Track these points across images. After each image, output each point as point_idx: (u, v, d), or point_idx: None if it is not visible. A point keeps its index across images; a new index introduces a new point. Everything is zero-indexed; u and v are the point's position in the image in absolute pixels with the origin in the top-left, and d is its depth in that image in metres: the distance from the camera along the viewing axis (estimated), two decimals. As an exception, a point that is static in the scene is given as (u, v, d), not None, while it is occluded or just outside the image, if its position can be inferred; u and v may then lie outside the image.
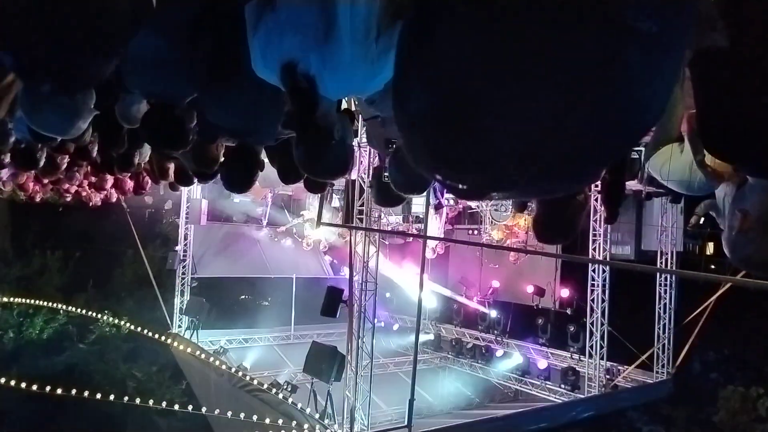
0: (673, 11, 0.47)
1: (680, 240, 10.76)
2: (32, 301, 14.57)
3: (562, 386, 10.93)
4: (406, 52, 0.54)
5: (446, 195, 10.77)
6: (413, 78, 0.51)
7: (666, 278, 10.92)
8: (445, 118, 0.47)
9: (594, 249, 10.48)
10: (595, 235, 10.46)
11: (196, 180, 3.28)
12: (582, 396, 10.58)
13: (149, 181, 7.11)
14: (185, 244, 13.06)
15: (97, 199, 9.27)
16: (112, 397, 8.41)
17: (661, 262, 10.81)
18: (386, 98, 1.48)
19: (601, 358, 10.49)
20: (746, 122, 0.76)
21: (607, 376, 10.60)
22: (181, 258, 12.98)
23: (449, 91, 0.46)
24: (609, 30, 0.45)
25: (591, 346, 10.50)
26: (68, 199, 10.01)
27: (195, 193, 12.53)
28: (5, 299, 14.87)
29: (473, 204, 12.57)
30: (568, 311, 11.68)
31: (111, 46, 1.25)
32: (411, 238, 13.11)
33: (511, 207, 11.11)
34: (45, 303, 14.39)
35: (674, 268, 10.86)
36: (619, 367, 10.85)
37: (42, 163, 3.20)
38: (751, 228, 1.08)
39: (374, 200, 2.27)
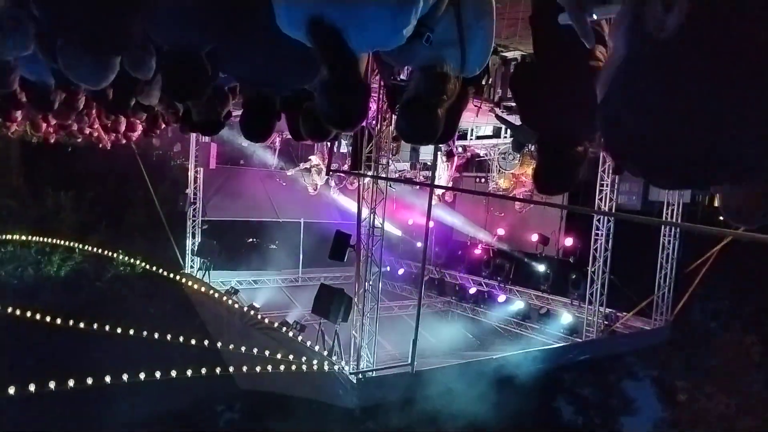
0: None
1: (688, 191, 10.74)
2: (49, 240, 14.96)
3: (561, 331, 11.29)
4: (621, 88, 0.66)
5: (457, 142, 10.70)
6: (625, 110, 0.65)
7: (670, 229, 11.00)
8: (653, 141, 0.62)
9: (600, 199, 10.50)
10: (602, 185, 10.45)
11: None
12: (580, 340, 10.95)
13: (160, 124, 7.15)
14: (195, 187, 13.21)
15: (107, 141, 9.34)
16: (131, 331, 8.84)
17: (667, 213, 10.86)
18: (407, 52, 1.52)
19: (601, 305, 10.76)
20: None
21: (606, 323, 10.91)
22: (191, 200, 13.18)
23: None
24: None
25: (591, 294, 10.75)
26: (79, 140, 10.08)
27: (204, 137, 12.53)
28: (23, 237, 15.28)
29: (482, 152, 12.51)
30: (571, 260, 11.88)
31: (139, 10, 1.28)
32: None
33: (519, 156, 11.06)
34: (61, 242, 14.78)
35: (680, 220, 10.89)
36: (618, 314, 11.14)
37: (57, 105, 3.26)
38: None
39: (304, 131, 2.25)
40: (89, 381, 7.06)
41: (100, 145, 10.04)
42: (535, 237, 12.13)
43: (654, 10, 0.61)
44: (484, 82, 8.74)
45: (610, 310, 11.06)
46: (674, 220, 10.86)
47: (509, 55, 8.13)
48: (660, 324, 11.24)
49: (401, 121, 1.74)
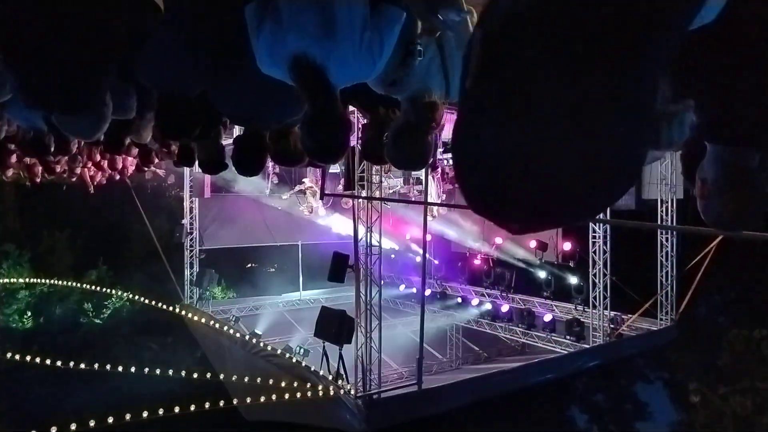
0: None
1: (680, 187, 10.75)
2: (47, 281, 14.89)
3: (568, 338, 11.18)
4: (460, 143, 0.64)
5: (441, 156, 10.72)
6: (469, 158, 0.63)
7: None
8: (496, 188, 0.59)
9: (596, 202, 10.48)
10: (596, 187, 10.44)
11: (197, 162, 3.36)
12: (587, 346, 10.83)
13: (153, 159, 7.18)
14: (191, 217, 13.19)
15: (101, 179, 9.35)
16: (133, 369, 8.72)
17: (662, 211, 10.85)
18: (407, 82, 1.62)
19: (605, 308, 10.68)
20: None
21: (612, 326, 10.81)
22: (188, 231, 13.14)
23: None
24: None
25: (594, 297, 10.68)
26: (73, 179, 10.10)
27: (197, 167, 12.54)
28: (21, 280, 15.21)
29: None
30: (571, 264, 11.82)
31: (110, 66, 1.30)
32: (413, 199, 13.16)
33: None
34: (59, 282, 14.71)
35: (675, 216, 10.88)
36: (623, 317, 11.04)
37: (52, 149, 3.28)
38: (709, 194, 1.14)
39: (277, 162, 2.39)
40: (92, 423, 6.93)
41: (95, 183, 10.06)
42: (533, 243, 12.09)
43: (471, 62, 0.62)
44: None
45: (615, 312, 10.97)
46: (669, 218, 10.85)
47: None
48: (666, 323, 11.14)
49: (392, 150, 1.81)
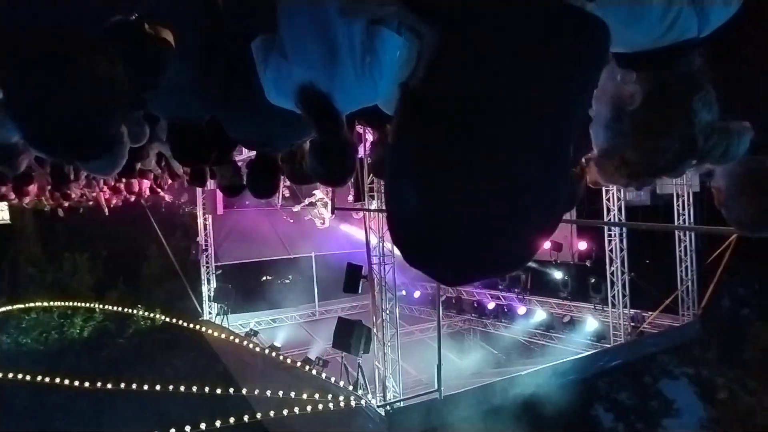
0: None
1: (696, 180, 10.60)
2: (69, 303, 15.18)
3: (588, 338, 11.05)
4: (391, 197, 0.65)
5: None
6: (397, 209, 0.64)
7: (685, 222, 10.81)
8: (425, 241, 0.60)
9: (608, 199, 10.40)
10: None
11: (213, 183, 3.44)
12: (608, 345, 10.70)
13: (166, 181, 7.33)
14: (205, 234, 13.36)
15: (117, 201, 9.58)
16: (158, 387, 8.85)
17: (678, 205, 10.70)
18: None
19: (625, 307, 10.54)
20: None
21: (632, 324, 10.66)
22: (203, 248, 13.31)
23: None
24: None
25: (613, 296, 10.55)
26: (90, 203, 10.34)
27: (209, 184, 12.72)
28: (45, 303, 15.52)
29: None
30: (587, 263, 11.70)
31: (119, 113, 1.31)
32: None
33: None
34: (81, 303, 14.99)
35: (691, 211, 10.72)
36: (644, 314, 10.89)
37: (72, 177, 3.41)
38: (725, 201, 1.18)
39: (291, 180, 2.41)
40: (118, 442, 7.04)
41: (111, 205, 10.27)
42: (547, 244, 11.98)
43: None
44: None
45: (635, 310, 10.82)
46: (685, 212, 10.69)
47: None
48: (688, 319, 10.95)
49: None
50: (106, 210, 8.80)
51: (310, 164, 1.63)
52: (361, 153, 8.39)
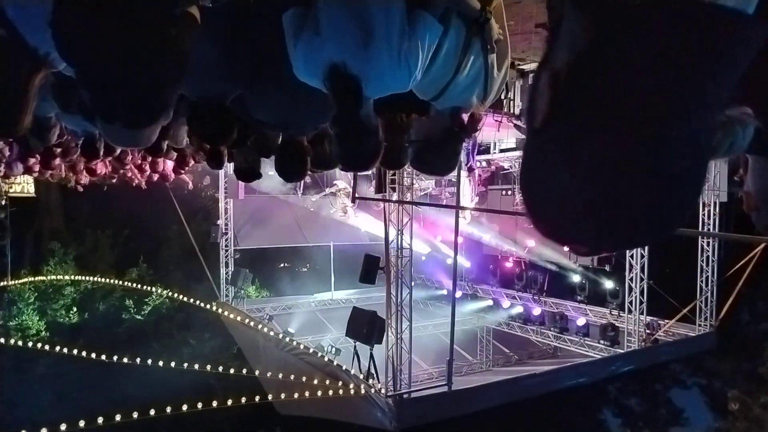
0: None
1: (724, 191, 10.42)
2: (91, 278, 15.55)
3: (602, 342, 10.99)
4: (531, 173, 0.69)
5: (477, 157, 10.72)
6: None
7: (708, 230, 10.64)
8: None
9: (632, 204, 10.26)
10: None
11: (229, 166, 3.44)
12: (621, 351, 10.62)
13: (189, 162, 7.44)
14: (226, 218, 13.55)
15: (141, 180, 9.73)
16: (173, 364, 9.06)
17: (704, 214, 10.54)
18: (453, 94, 1.62)
19: (641, 314, 10.45)
20: None
21: (648, 331, 10.57)
22: (223, 231, 13.51)
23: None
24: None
25: (630, 302, 10.45)
26: (114, 180, 10.55)
27: (231, 169, 12.87)
28: (66, 277, 15.92)
29: (506, 165, 12.47)
30: (607, 267, 11.60)
31: (176, 84, 1.38)
32: (444, 202, 13.17)
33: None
34: (102, 279, 15.34)
35: (717, 220, 10.55)
36: (660, 322, 10.78)
37: (102, 153, 3.49)
38: (756, 206, 1.17)
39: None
40: (135, 415, 7.24)
41: (134, 184, 10.45)
42: (567, 247, 11.90)
43: (538, 101, 0.65)
44: (503, 97, 8.81)
45: (651, 318, 10.72)
46: (711, 222, 10.53)
47: (526, 67, 8.16)
48: (705, 330, 10.82)
49: (424, 158, 1.85)
50: (143, 183, 8.90)
51: (333, 147, 1.61)
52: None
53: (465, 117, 1.74)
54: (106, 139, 1.93)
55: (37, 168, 6.42)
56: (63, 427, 6.54)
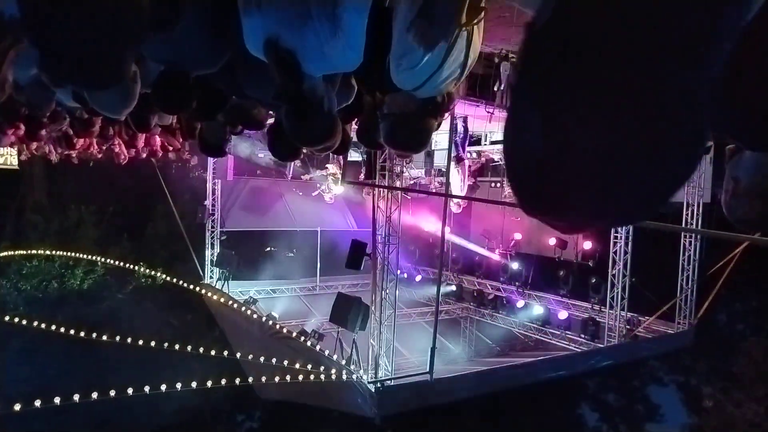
0: None
1: (708, 191, 10.54)
2: (72, 254, 15.30)
3: (582, 336, 11.13)
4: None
5: (468, 148, 10.69)
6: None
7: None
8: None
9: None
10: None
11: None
12: (602, 345, 10.77)
13: (177, 140, 7.30)
14: (213, 199, 13.41)
15: (125, 156, 9.54)
16: (153, 343, 8.97)
17: (687, 214, 10.66)
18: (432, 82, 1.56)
19: (622, 309, 10.59)
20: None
21: (628, 327, 10.72)
22: (210, 212, 13.37)
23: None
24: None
25: (612, 298, 10.59)
26: (100, 155, 10.34)
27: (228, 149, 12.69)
28: (47, 252, 15.65)
29: (496, 157, 12.46)
30: (590, 263, 11.71)
31: (135, 41, 1.31)
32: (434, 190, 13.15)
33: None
34: (84, 255, 15.11)
35: (700, 221, 10.68)
36: (640, 318, 10.94)
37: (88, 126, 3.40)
38: (742, 194, 1.16)
39: (273, 154, 2.35)
40: (112, 393, 7.16)
41: (121, 159, 10.27)
42: (552, 241, 12.00)
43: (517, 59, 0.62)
44: (495, 89, 8.76)
45: (632, 314, 10.88)
46: (694, 221, 10.66)
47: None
48: (684, 327, 11.01)
49: (394, 134, 1.77)
50: (126, 156, 8.73)
51: (283, 122, 1.59)
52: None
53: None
54: (94, 107, 1.86)
55: (14, 139, 6.25)
56: (37, 403, 6.44)
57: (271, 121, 2.59)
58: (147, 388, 7.47)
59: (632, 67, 0.52)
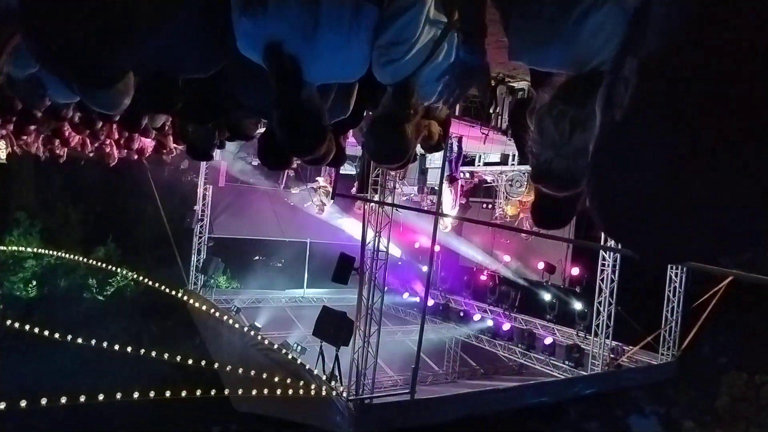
0: None
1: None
2: (55, 252, 15.05)
3: (566, 362, 11.07)
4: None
5: (461, 168, 10.72)
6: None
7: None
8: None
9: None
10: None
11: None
12: (585, 373, 10.72)
13: (169, 143, 7.24)
14: (203, 204, 13.29)
15: (115, 157, 9.44)
16: (129, 349, 8.76)
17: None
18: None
19: (607, 338, 10.57)
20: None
21: (612, 356, 10.70)
22: (199, 217, 13.24)
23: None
24: None
25: (597, 325, 10.57)
26: (91, 154, 10.23)
27: (215, 155, 12.64)
28: (30, 249, 15.38)
29: (489, 178, 12.51)
30: (577, 289, 11.71)
31: (135, 41, 1.29)
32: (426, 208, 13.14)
33: (526, 183, 11.04)
34: (66, 255, 14.86)
35: (688, 253, 10.75)
36: (624, 348, 10.93)
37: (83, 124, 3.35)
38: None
39: (262, 161, 2.30)
40: (82, 399, 6.96)
41: (111, 159, 10.16)
42: (541, 265, 12.00)
43: (619, 90, 0.59)
44: (491, 111, 8.82)
45: (617, 342, 10.86)
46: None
47: (516, 85, 8.18)
48: (667, 359, 11.00)
49: (369, 140, 1.70)
50: (116, 158, 8.65)
51: (275, 127, 1.54)
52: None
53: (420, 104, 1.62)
54: (86, 102, 1.83)
55: (4, 132, 6.15)
56: (1, 405, 6.22)
57: (261, 129, 2.56)
58: (119, 395, 7.27)
59: (750, 112, 0.48)
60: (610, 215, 0.62)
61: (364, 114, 2.32)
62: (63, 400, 6.74)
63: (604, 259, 10.67)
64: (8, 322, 9.31)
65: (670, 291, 10.95)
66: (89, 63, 1.23)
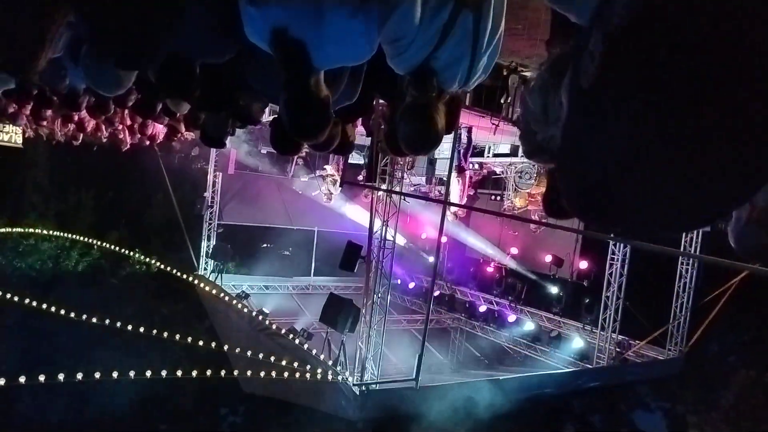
0: None
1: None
2: (69, 235, 15.32)
3: (571, 356, 11.09)
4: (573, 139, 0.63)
5: (470, 159, 10.71)
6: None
7: (691, 259, 10.76)
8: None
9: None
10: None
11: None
12: (590, 366, 10.74)
13: (181, 129, 7.32)
14: (213, 191, 13.43)
15: (128, 142, 9.58)
16: (141, 329, 8.96)
17: (686, 242, 10.65)
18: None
19: (614, 332, 10.56)
20: None
21: (618, 350, 10.69)
22: (209, 204, 13.39)
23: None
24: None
25: (604, 319, 10.56)
26: (105, 140, 10.38)
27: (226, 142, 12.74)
28: (45, 231, 15.68)
29: (498, 170, 12.49)
30: (585, 283, 11.69)
31: (170, 28, 1.35)
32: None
33: (535, 175, 11.01)
34: (81, 238, 15.12)
35: (699, 248, 10.67)
36: (631, 342, 10.91)
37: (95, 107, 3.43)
38: (756, 219, 1.08)
39: (274, 147, 2.30)
40: (97, 375, 7.16)
41: (124, 145, 10.30)
42: (548, 258, 11.99)
43: (585, 62, 0.58)
44: (502, 101, 8.79)
45: (623, 337, 10.84)
46: (693, 248, 10.64)
47: (529, 74, 8.14)
48: (674, 354, 10.97)
49: (401, 131, 1.68)
50: (127, 145, 8.77)
51: (280, 111, 1.55)
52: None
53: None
54: (86, 82, 1.88)
55: (22, 116, 6.27)
56: (22, 379, 6.43)
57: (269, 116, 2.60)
58: (132, 373, 7.47)
59: (722, 82, 0.49)
60: (576, 186, 0.62)
61: (373, 102, 2.34)
62: (79, 376, 6.94)
63: (613, 252, 10.63)
64: (26, 301, 9.55)
65: (679, 286, 10.89)
66: (134, 45, 1.29)
